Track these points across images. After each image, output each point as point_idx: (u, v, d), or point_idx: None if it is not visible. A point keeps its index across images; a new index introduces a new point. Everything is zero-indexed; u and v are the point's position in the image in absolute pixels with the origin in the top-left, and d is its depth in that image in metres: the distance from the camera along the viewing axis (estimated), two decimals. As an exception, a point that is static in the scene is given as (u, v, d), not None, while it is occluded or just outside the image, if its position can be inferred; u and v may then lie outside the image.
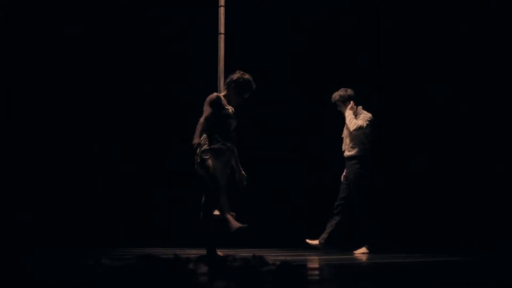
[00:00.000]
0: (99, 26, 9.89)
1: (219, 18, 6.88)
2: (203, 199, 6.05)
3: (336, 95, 7.75)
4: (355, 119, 7.61)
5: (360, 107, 7.80)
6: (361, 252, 7.59)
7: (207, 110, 5.91)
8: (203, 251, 6.14)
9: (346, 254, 7.58)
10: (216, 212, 6.01)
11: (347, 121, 7.60)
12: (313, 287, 3.97)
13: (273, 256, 7.06)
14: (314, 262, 6.18)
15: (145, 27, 10.11)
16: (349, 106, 7.59)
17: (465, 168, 10.20)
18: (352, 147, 7.67)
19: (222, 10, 6.87)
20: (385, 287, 4.03)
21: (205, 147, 5.91)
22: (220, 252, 5.99)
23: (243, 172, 6.13)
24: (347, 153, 7.72)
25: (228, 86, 6.15)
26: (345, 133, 7.82)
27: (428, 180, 10.35)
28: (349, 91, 7.75)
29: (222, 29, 6.86)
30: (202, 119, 5.85)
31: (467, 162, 10.19)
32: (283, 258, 6.04)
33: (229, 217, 5.76)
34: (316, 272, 4.99)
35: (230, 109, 6.10)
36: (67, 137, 9.77)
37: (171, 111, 9.85)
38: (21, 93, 9.56)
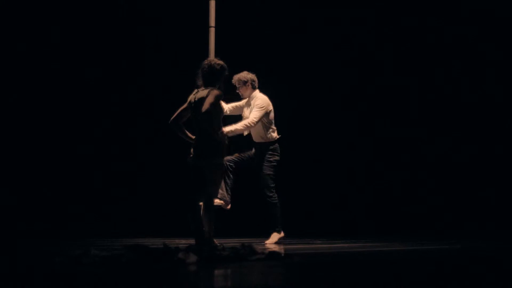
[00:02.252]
0: (87, 21, 9.83)
1: (210, 11, 6.83)
2: (191, 189, 6.04)
3: (236, 77, 7.55)
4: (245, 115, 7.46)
5: (257, 91, 7.58)
6: (274, 241, 7.46)
7: (210, 102, 5.81)
8: (192, 241, 6.15)
9: (333, 243, 7.62)
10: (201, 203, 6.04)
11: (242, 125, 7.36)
12: (302, 275, 3.99)
13: (263, 245, 7.09)
14: (302, 251, 6.21)
15: (133, 21, 10.05)
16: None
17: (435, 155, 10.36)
18: (269, 134, 7.48)
19: (212, 3, 6.83)
20: (365, 276, 4.06)
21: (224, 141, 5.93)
22: (217, 241, 5.99)
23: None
24: (262, 140, 7.49)
25: (212, 75, 6.01)
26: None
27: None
28: (251, 75, 7.57)
29: (212, 22, 6.81)
30: (205, 109, 5.72)
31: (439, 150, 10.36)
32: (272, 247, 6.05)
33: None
34: (304, 260, 5.01)
35: None
36: (54, 129, 9.72)
37: (160, 105, 9.77)
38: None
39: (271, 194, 7.49)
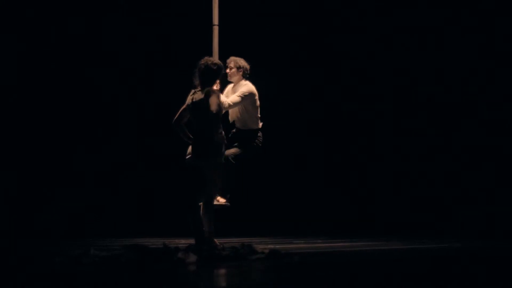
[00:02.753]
0: (85, 20, 9.80)
1: (213, 9, 6.81)
2: (191, 189, 6.04)
3: (233, 58, 7.35)
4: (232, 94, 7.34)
5: (243, 80, 7.43)
6: (222, 202, 7.31)
7: (216, 102, 5.84)
8: (192, 241, 6.15)
9: (333, 242, 7.62)
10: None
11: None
12: (302, 274, 3.99)
13: (262, 244, 7.09)
14: (302, 250, 6.21)
15: (135, 20, 10.03)
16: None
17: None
18: (253, 122, 7.38)
19: (216, 1, 6.82)
20: (365, 275, 4.06)
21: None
22: (217, 241, 5.99)
23: None
24: (245, 127, 7.36)
25: (209, 75, 6.01)
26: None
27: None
28: (247, 64, 7.37)
29: (216, 20, 6.80)
30: (215, 110, 5.75)
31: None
32: (272, 246, 6.06)
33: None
34: (304, 260, 5.02)
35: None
36: (54, 129, 9.70)
37: (162, 104, 9.75)
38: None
39: (232, 157, 7.28)
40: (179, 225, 7.96)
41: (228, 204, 7.12)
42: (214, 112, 5.73)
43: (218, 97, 5.90)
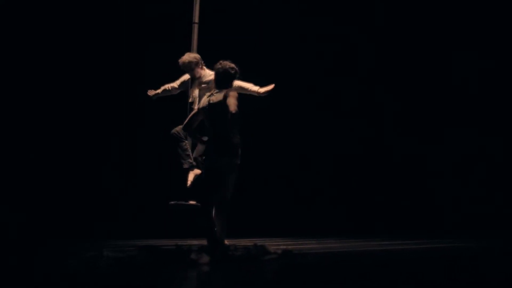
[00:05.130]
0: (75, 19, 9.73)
1: (194, 7, 6.80)
2: (205, 190, 6.04)
3: (186, 59, 7.07)
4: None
5: (204, 70, 7.20)
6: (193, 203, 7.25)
7: (235, 103, 5.85)
8: (204, 242, 6.15)
9: (345, 243, 7.60)
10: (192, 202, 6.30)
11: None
12: (314, 275, 3.98)
13: (275, 245, 7.08)
14: (314, 250, 6.21)
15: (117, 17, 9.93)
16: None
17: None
18: None
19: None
20: (379, 276, 4.05)
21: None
22: (227, 241, 5.99)
23: None
24: None
25: (227, 78, 6.03)
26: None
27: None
28: (195, 55, 7.11)
29: (196, 18, 6.79)
30: (235, 111, 5.75)
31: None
32: (284, 246, 6.05)
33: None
34: (316, 261, 5.01)
35: None
36: (67, 129, 9.70)
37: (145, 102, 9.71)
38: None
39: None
40: (191, 226, 7.97)
41: (199, 204, 7.09)
42: (233, 112, 5.75)
43: (237, 99, 5.92)
